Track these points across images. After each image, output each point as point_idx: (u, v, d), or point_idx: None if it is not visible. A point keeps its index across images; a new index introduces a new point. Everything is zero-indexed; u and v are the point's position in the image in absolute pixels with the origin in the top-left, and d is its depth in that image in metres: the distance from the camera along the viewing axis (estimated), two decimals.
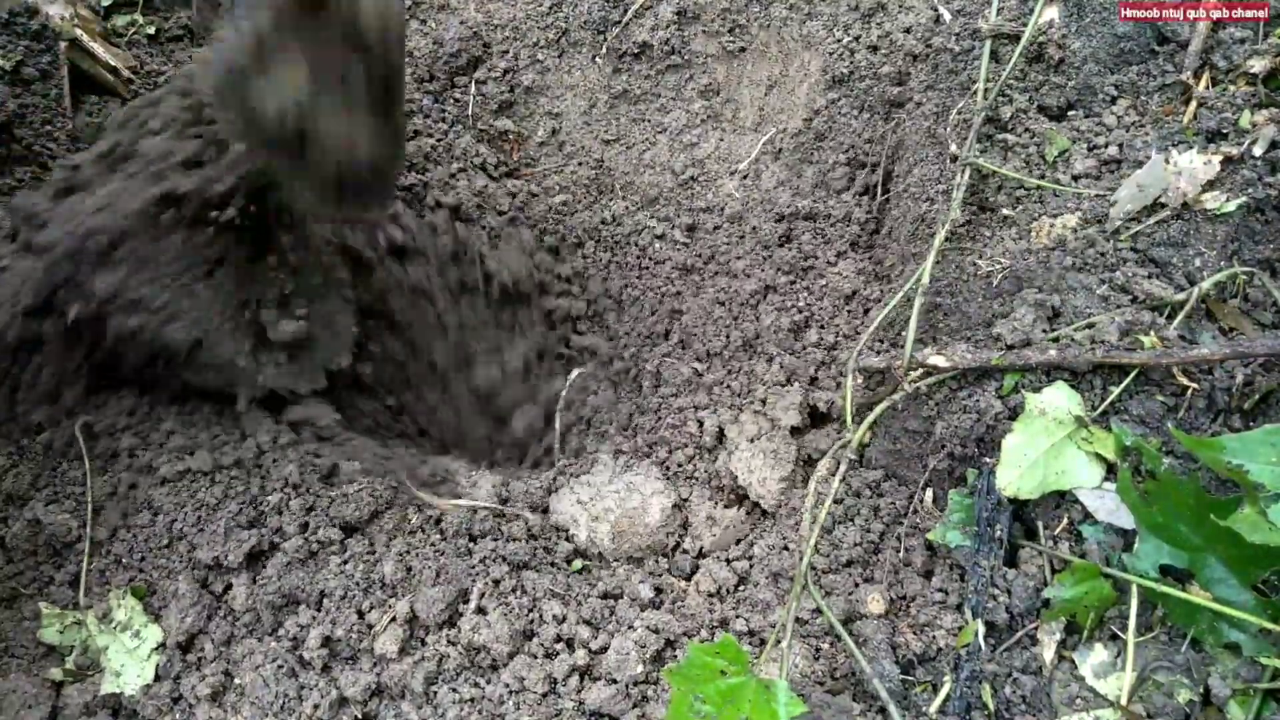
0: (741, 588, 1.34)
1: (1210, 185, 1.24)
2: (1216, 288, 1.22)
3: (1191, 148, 1.28)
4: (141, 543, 1.42)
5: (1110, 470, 1.17)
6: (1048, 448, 1.18)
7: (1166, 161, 1.27)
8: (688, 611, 1.32)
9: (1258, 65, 1.33)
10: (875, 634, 1.18)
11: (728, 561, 1.38)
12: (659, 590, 1.35)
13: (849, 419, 1.40)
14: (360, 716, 1.23)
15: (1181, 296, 1.22)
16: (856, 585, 1.27)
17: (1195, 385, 1.18)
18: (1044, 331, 1.30)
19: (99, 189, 1.38)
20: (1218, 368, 1.16)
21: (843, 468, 1.32)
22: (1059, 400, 1.21)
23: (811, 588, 1.23)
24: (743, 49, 2.14)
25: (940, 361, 1.32)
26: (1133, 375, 1.19)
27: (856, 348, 1.43)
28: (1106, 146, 1.41)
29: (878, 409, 1.35)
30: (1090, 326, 1.25)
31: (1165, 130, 1.37)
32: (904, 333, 1.43)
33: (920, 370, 1.34)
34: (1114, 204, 1.28)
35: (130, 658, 1.31)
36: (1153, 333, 1.20)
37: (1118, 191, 1.29)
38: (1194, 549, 1.06)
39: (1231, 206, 1.22)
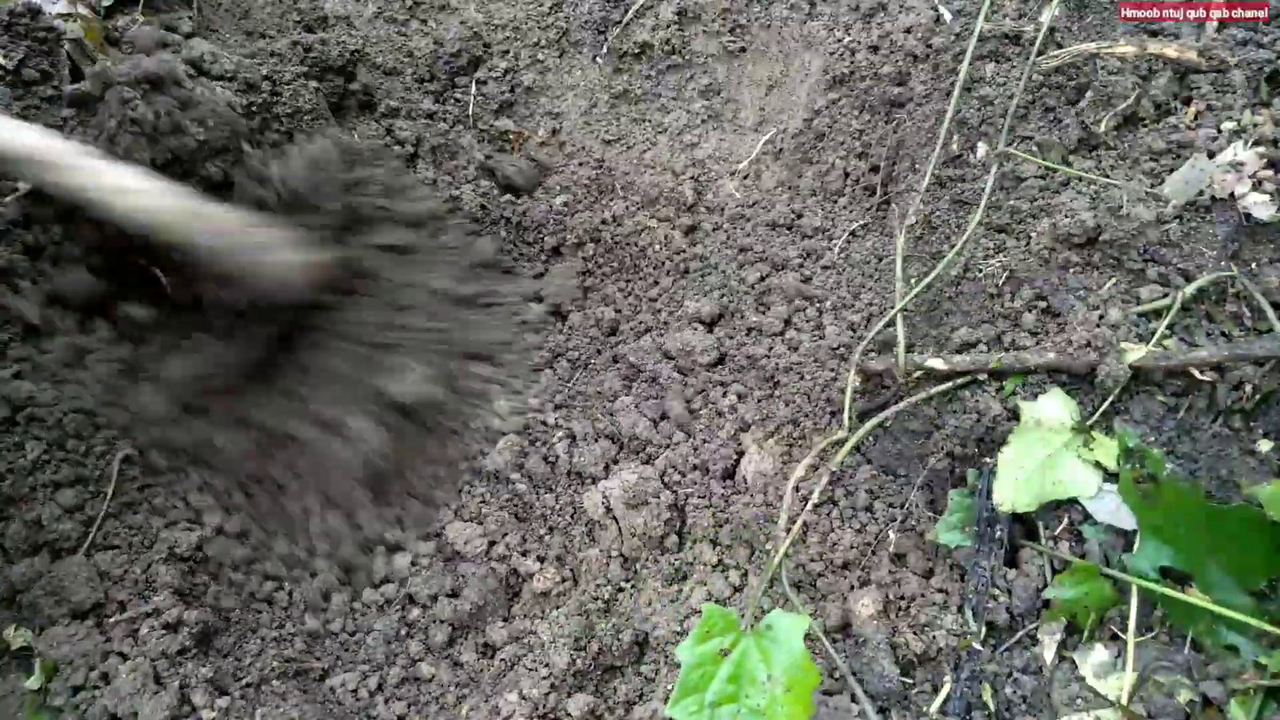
0: (737, 596, 1.34)
1: (1259, 183, 1.23)
2: (1215, 287, 1.22)
3: (1244, 143, 1.26)
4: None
5: (1109, 477, 1.17)
6: (1044, 459, 1.18)
7: (1210, 155, 1.26)
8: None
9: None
10: (875, 634, 1.19)
11: (724, 570, 1.38)
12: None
13: (847, 420, 1.39)
14: None
15: (1176, 297, 1.22)
16: (853, 587, 1.27)
17: (1196, 386, 1.18)
18: (1043, 331, 1.30)
19: None
20: (1227, 367, 1.16)
21: (825, 479, 1.32)
22: (1054, 409, 1.21)
23: (789, 589, 1.23)
24: (743, 49, 2.14)
25: (938, 365, 1.32)
26: (1130, 377, 1.19)
27: (859, 348, 1.42)
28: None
29: (870, 423, 1.34)
30: (1090, 327, 1.25)
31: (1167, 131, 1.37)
32: (919, 333, 1.43)
33: (919, 373, 1.34)
34: (1164, 200, 1.28)
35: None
36: (1155, 334, 1.20)
37: (1164, 187, 1.29)
38: (1194, 552, 1.07)
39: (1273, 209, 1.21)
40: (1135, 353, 1.18)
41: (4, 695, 1.32)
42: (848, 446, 1.33)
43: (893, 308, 1.42)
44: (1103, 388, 1.20)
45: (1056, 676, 1.12)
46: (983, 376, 1.30)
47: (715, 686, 1.03)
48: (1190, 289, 1.21)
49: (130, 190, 1.36)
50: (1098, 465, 1.16)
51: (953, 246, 1.48)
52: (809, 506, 1.30)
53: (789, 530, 1.25)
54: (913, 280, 1.55)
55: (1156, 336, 1.20)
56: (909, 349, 1.36)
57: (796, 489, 1.33)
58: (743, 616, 1.08)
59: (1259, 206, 1.21)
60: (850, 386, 1.39)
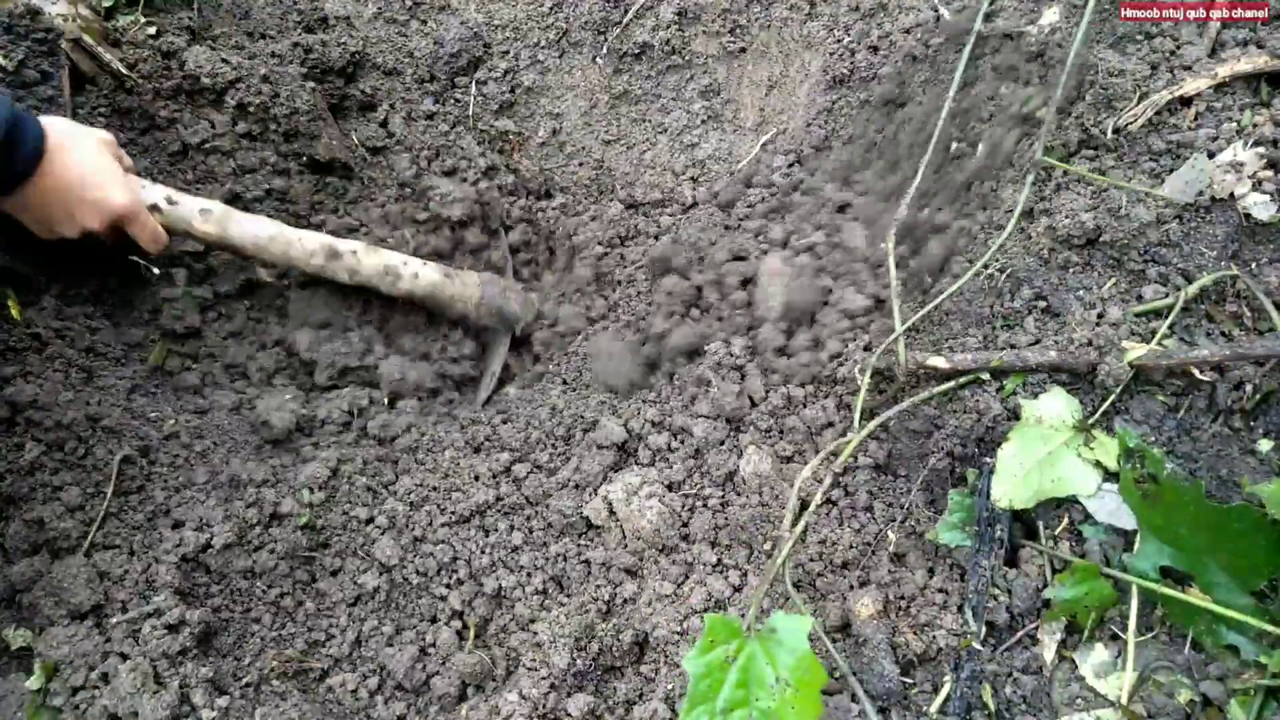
0: (736, 597, 1.34)
1: (1259, 183, 1.22)
2: (1216, 287, 1.23)
3: (1243, 143, 1.25)
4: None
5: (1109, 476, 1.17)
6: (1043, 456, 1.18)
7: (1210, 155, 1.26)
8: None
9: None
10: (875, 634, 1.19)
11: (724, 570, 1.38)
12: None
13: (857, 421, 1.39)
14: None
15: (1178, 297, 1.22)
16: (852, 587, 1.27)
17: (1197, 386, 1.18)
18: (1043, 331, 1.30)
19: None
20: (1227, 367, 1.16)
21: (828, 480, 1.32)
22: (1056, 407, 1.21)
23: (791, 590, 1.23)
24: (743, 49, 2.14)
25: (940, 363, 1.32)
26: (1131, 376, 1.19)
27: (878, 349, 1.42)
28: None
29: (870, 425, 1.34)
30: (1090, 327, 1.25)
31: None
32: (920, 334, 1.43)
33: (920, 372, 1.34)
34: (1164, 200, 1.28)
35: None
36: (1156, 333, 1.20)
37: (1163, 187, 1.29)
38: (1195, 552, 1.07)
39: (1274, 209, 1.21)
40: (1136, 351, 1.18)
41: (4, 695, 1.32)
42: (851, 446, 1.32)
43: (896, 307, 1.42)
44: (1103, 387, 1.20)
45: (1056, 676, 1.12)
46: (984, 376, 1.30)
47: (724, 694, 1.05)
48: (1193, 288, 1.21)
49: (402, 274, 1.88)
50: (1098, 464, 1.16)
51: (953, 246, 1.48)
52: (812, 507, 1.30)
53: (793, 530, 1.25)
54: (913, 284, 1.55)
55: (1159, 336, 1.20)
56: (909, 347, 1.36)
57: (798, 489, 1.34)
58: (743, 617, 1.09)
59: (1259, 207, 1.21)
60: (864, 386, 1.38)
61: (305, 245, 1.78)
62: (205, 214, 1.68)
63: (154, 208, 1.61)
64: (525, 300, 2.05)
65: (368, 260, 1.84)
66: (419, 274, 1.89)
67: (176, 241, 1.72)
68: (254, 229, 1.73)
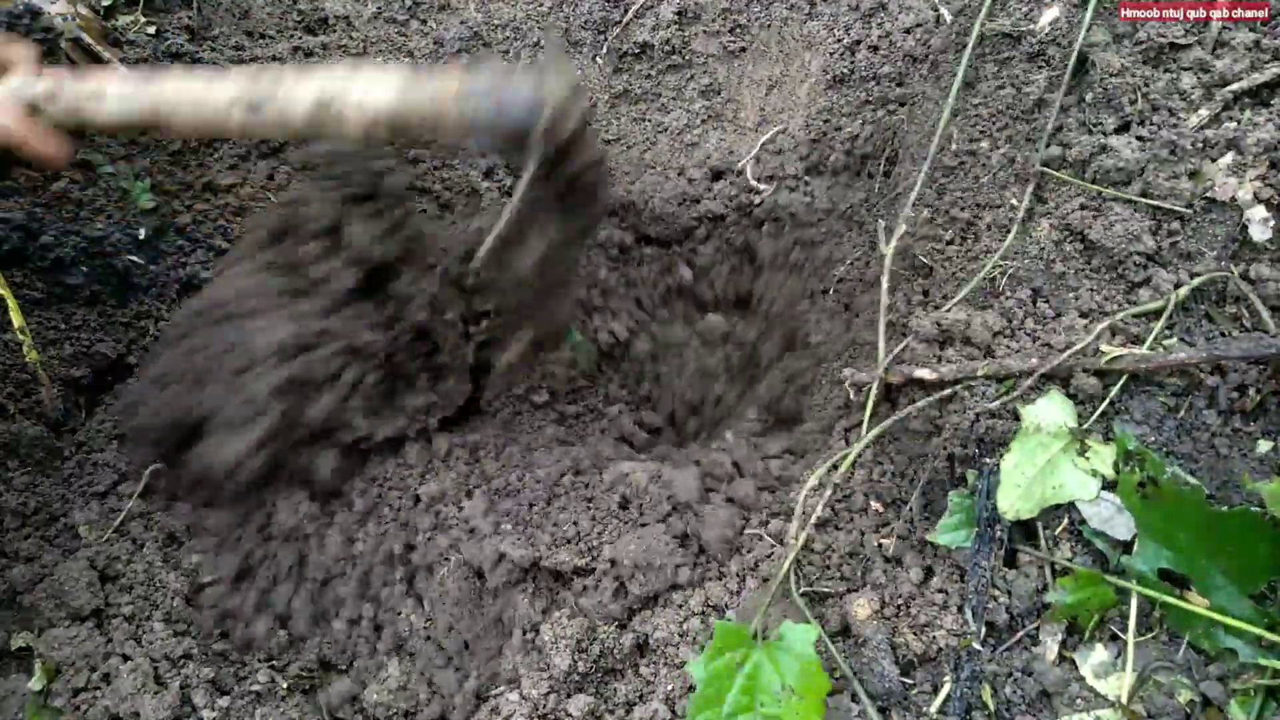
0: (734, 599, 1.34)
1: (1259, 190, 1.22)
2: (1216, 288, 1.23)
3: (1243, 145, 1.25)
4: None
5: (1106, 485, 1.16)
6: (1043, 464, 1.18)
7: (1211, 160, 1.26)
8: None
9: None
10: (875, 635, 1.19)
11: (724, 574, 1.38)
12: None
13: (865, 426, 1.39)
14: None
15: (1170, 299, 1.22)
16: (851, 589, 1.27)
17: (1197, 387, 1.18)
18: (1036, 334, 1.30)
19: None
20: (1228, 368, 1.16)
21: (830, 492, 1.32)
22: (1052, 413, 1.20)
23: (797, 597, 1.23)
24: (743, 49, 2.14)
25: (925, 375, 1.31)
26: (1122, 381, 1.19)
27: (884, 361, 1.42)
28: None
29: (869, 436, 1.34)
30: (1082, 330, 1.25)
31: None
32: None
33: (908, 383, 1.33)
34: (1162, 203, 1.28)
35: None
36: (1151, 335, 1.20)
37: (1162, 189, 1.29)
38: (1194, 556, 1.06)
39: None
40: (1114, 354, 1.18)
41: (4, 696, 1.32)
42: (852, 454, 1.32)
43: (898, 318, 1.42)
44: (1086, 393, 1.20)
45: (1056, 676, 1.12)
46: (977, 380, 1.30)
47: (731, 698, 1.07)
48: (1184, 290, 1.21)
49: (345, 103, 1.23)
50: (1094, 473, 1.16)
51: (953, 251, 1.49)
52: (813, 512, 1.30)
53: (796, 536, 1.25)
54: (915, 293, 1.56)
55: (1153, 337, 1.20)
56: (900, 360, 1.36)
57: (803, 493, 1.34)
58: (745, 622, 1.09)
59: (1257, 226, 1.21)
60: (873, 397, 1.38)
61: (218, 96, 1.29)
62: (97, 96, 1.34)
63: (35, 110, 1.34)
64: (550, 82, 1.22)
65: (299, 94, 1.25)
66: (367, 95, 1.24)
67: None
68: (152, 92, 1.32)
